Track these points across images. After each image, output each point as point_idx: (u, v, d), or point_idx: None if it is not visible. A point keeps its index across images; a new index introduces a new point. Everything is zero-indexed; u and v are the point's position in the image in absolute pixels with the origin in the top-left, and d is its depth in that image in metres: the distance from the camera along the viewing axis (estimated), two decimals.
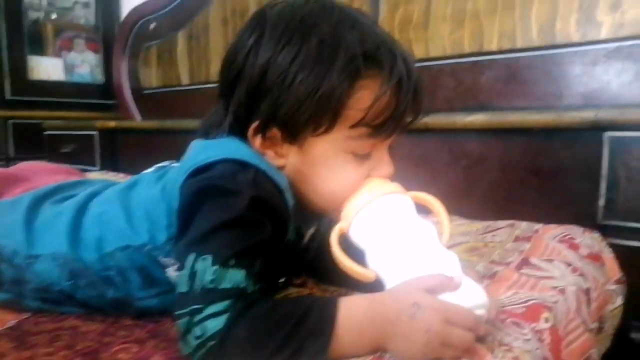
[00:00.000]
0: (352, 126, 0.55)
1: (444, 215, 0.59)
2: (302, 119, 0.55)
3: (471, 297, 0.49)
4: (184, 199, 0.56)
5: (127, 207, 0.62)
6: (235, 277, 0.49)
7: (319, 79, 0.54)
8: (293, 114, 0.55)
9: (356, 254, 0.56)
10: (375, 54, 0.55)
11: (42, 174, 0.83)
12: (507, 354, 0.50)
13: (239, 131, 0.60)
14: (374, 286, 0.53)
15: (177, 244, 0.56)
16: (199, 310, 0.47)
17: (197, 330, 0.46)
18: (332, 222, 0.64)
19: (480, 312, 0.49)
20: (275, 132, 0.58)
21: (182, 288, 0.49)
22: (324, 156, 0.58)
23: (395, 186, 0.59)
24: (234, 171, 0.55)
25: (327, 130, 0.56)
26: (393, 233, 0.54)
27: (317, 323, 0.47)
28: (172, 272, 0.59)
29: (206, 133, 0.64)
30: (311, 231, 0.68)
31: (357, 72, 0.54)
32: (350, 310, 0.48)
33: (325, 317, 0.47)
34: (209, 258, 0.49)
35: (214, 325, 0.46)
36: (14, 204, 0.69)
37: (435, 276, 0.49)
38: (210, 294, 0.47)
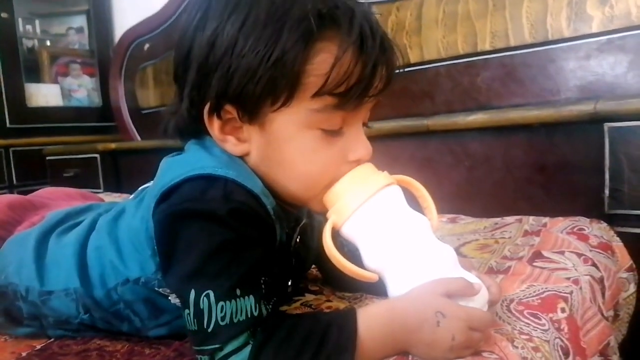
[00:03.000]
0: (314, 95, 0.50)
1: (429, 199, 0.58)
2: (257, 91, 0.50)
3: (479, 295, 0.51)
4: (158, 229, 0.53)
5: (116, 240, 0.60)
6: (246, 306, 0.48)
7: (271, 43, 0.49)
8: (246, 86, 0.50)
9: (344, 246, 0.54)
10: (331, 12, 0.50)
11: (59, 199, 0.83)
12: (528, 343, 0.51)
13: (196, 120, 0.56)
14: (382, 287, 0.53)
15: (166, 277, 0.54)
16: (220, 349, 0.47)
17: None
18: (314, 215, 0.62)
19: (486, 307, 0.52)
20: (230, 110, 0.53)
21: (192, 327, 0.48)
22: (289, 134, 0.53)
23: (386, 176, 0.55)
24: (202, 189, 0.51)
25: (287, 102, 0.51)
26: (392, 230, 0.52)
27: (339, 341, 0.47)
28: (174, 300, 0.58)
29: (165, 130, 0.60)
30: (301, 225, 0.64)
31: (310, 33, 0.49)
32: (370, 323, 0.48)
33: (347, 334, 0.47)
34: (210, 294, 0.47)
35: None
36: (23, 240, 0.68)
37: (455, 281, 0.50)
38: (226, 331, 0.47)
